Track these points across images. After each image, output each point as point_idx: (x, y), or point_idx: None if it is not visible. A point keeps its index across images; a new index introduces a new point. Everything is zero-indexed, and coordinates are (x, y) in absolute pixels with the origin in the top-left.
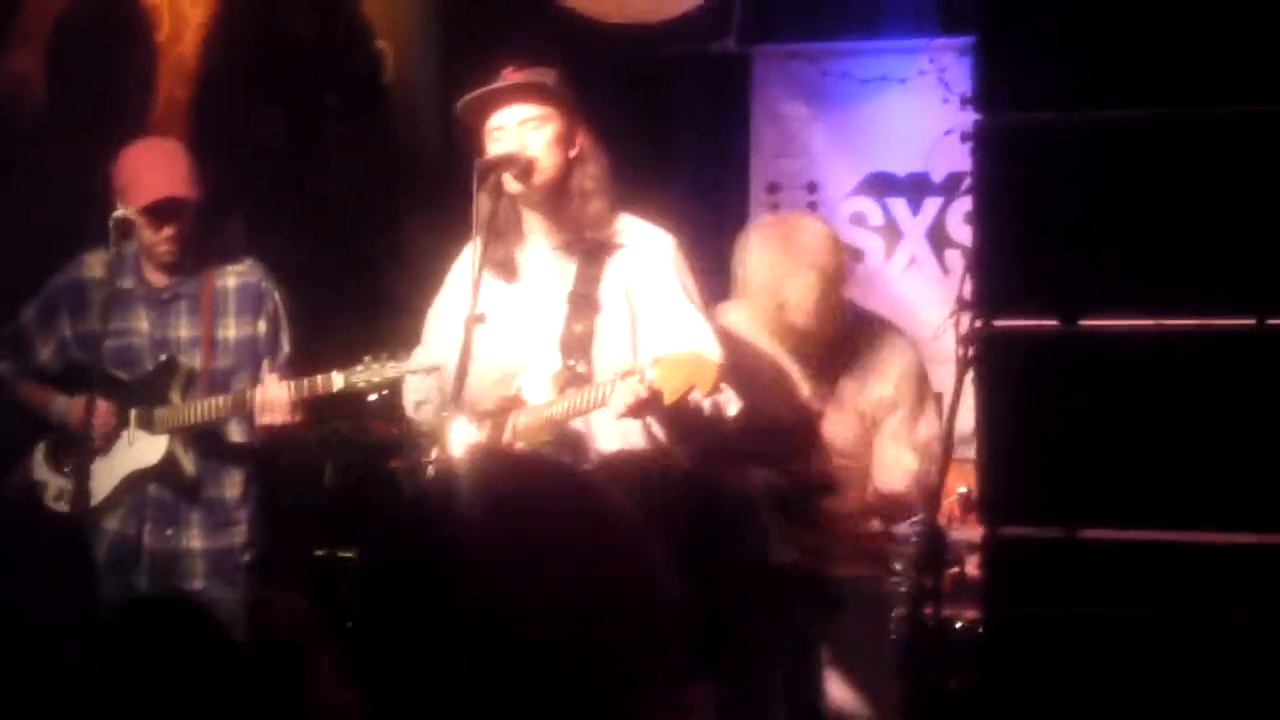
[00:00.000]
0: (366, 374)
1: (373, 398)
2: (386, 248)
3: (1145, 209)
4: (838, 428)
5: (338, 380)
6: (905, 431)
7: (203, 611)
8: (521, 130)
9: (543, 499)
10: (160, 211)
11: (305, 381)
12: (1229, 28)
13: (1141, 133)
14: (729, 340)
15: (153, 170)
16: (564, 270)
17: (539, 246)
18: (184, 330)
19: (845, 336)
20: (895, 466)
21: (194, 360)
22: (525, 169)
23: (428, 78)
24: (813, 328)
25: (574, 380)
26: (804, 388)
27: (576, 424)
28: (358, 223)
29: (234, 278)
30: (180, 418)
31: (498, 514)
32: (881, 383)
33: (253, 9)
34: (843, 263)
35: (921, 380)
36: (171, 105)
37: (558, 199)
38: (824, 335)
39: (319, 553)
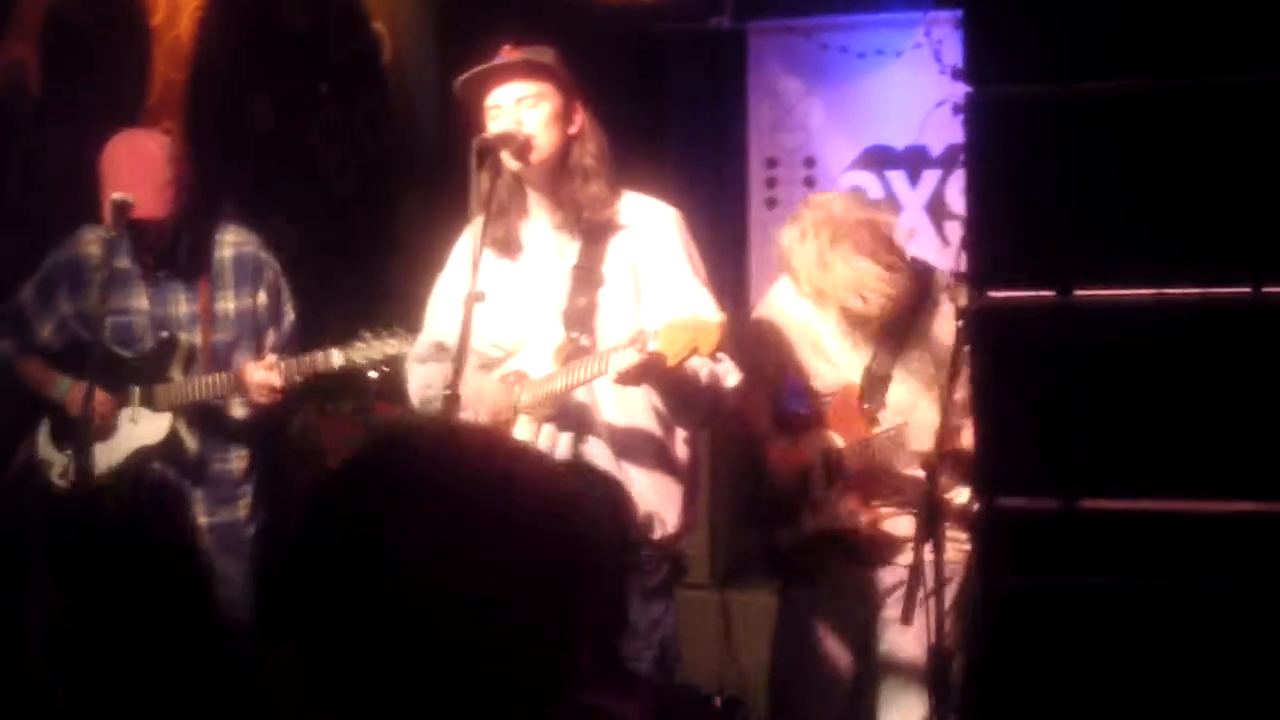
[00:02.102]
0: (366, 350)
1: (373, 375)
2: (384, 230)
3: (1140, 179)
4: (899, 389)
5: (337, 357)
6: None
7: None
8: (519, 108)
9: (466, 464)
10: (138, 226)
11: (306, 359)
12: None
13: (1135, 102)
14: (772, 318)
15: (131, 186)
16: (566, 247)
17: (541, 224)
18: (183, 306)
19: (906, 301)
20: (923, 425)
21: (194, 336)
22: (523, 146)
23: (425, 59)
24: (869, 310)
25: (577, 352)
26: (860, 355)
27: (581, 396)
28: (355, 205)
29: (230, 249)
30: (181, 394)
31: (422, 478)
32: (938, 343)
33: None
34: (884, 235)
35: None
36: (167, 89)
37: (557, 177)
38: (881, 310)
39: None
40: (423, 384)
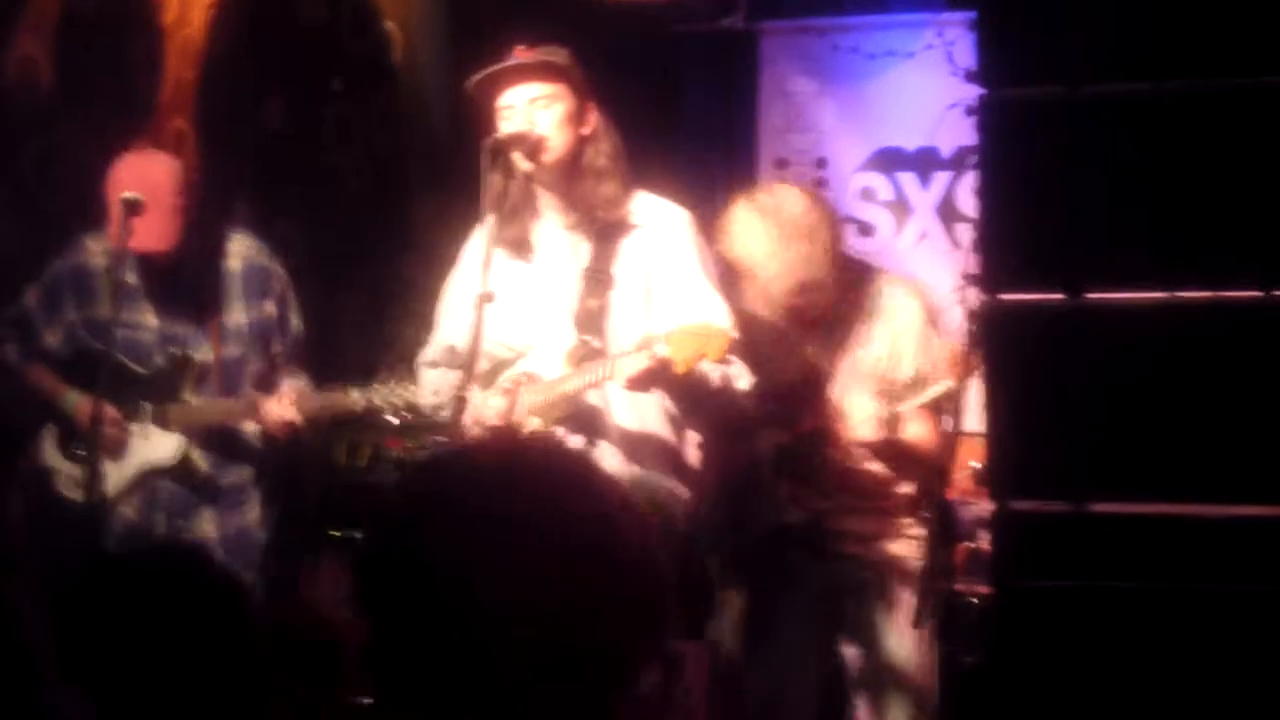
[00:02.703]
0: (388, 394)
1: (393, 420)
2: (396, 228)
3: (1151, 181)
4: (841, 383)
5: (358, 399)
6: (884, 380)
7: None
8: (532, 109)
9: (530, 477)
10: (139, 255)
11: (326, 397)
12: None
13: (1146, 105)
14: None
15: (139, 215)
16: (578, 248)
17: (553, 224)
18: (191, 322)
19: (846, 297)
20: (858, 412)
21: (204, 352)
22: (534, 147)
23: (436, 59)
24: (808, 298)
25: (589, 355)
26: (807, 352)
27: (593, 399)
28: (367, 205)
29: (237, 259)
30: (195, 416)
31: (487, 491)
32: (882, 340)
33: None
34: (828, 225)
35: (922, 331)
36: (179, 87)
37: (569, 177)
38: (823, 301)
39: (334, 533)
40: (433, 389)
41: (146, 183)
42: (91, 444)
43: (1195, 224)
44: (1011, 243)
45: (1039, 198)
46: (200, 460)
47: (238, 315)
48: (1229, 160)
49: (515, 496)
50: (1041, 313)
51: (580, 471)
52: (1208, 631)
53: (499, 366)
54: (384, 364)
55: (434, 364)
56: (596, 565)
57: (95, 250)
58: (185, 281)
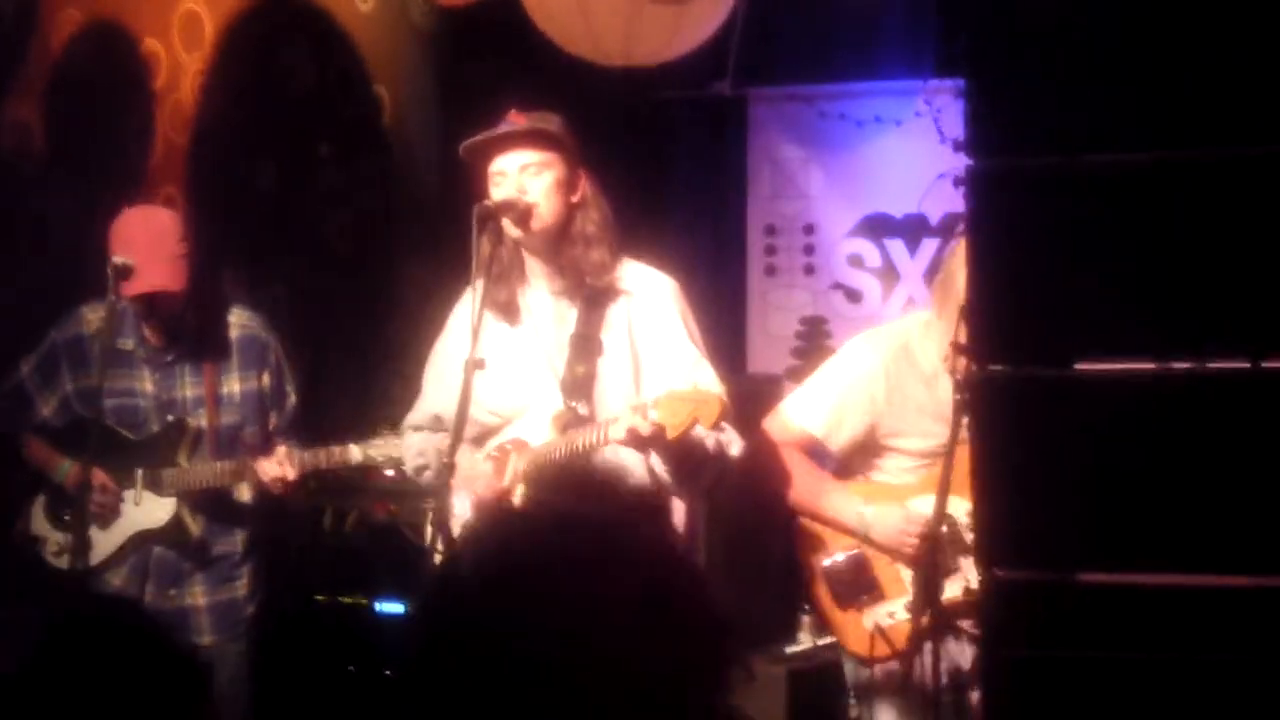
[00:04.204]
0: (385, 448)
1: (390, 473)
2: (385, 292)
3: (1140, 252)
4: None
5: (355, 453)
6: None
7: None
8: (523, 175)
9: (585, 544)
10: (146, 299)
11: (321, 452)
12: (1223, 70)
13: (1136, 175)
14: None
15: (140, 258)
16: (565, 314)
17: (541, 290)
18: (188, 390)
19: None
20: None
21: (199, 419)
22: (524, 214)
23: (426, 123)
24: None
25: (575, 421)
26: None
27: (580, 465)
28: (356, 267)
29: (235, 330)
30: (189, 480)
31: (543, 565)
32: None
33: (250, 55)
34: None
35: None
36: (169, 152)
37: (558, 244)
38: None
39: (319, 598)
40: (416, 453)
41: (150, 231)
42: (79, 510)
43: (1185, 295)
44: (1000, 313)
45: (1028, 268)
46: (193, 524)
47: (233, 385)
48: (1219, 230)
49: (579, 555)
50: (1031, 383)
51: (636, 525)
52: (1196, 703)
53: (486, 433)
54: (370, 424)
55: (418, 427)
56: (663, 614)
57: (92, 320)
58: (183, 347)
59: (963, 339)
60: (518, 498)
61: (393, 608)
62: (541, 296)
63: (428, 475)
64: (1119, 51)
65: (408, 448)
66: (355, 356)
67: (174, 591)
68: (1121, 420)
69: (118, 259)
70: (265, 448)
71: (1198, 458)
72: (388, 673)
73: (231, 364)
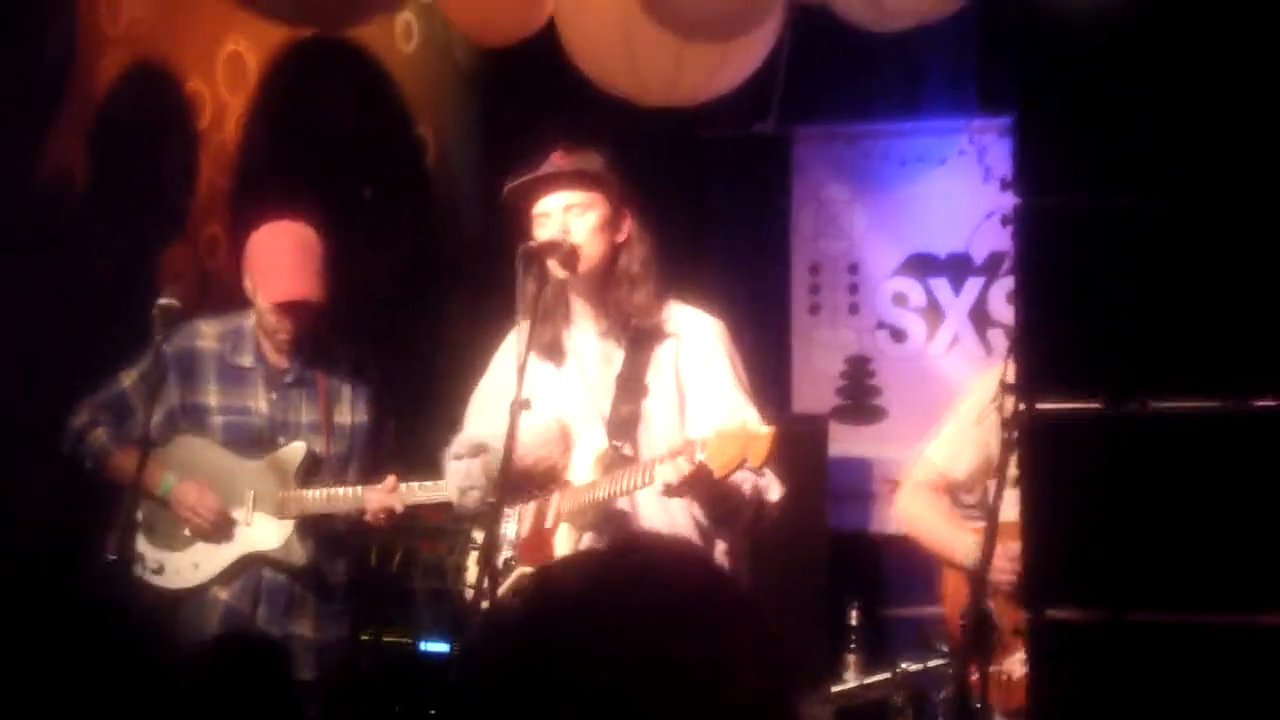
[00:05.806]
0: (436, 491)
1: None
2: (429, 333)
3: (1186, 291)
4: None
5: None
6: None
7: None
8: (567, 216)
9: (664, 585)
10: (288, 308)
11: (430, 485)
12: (1272, 111)
13: (1183, 215)
14: None
15: (286, 265)
16: (611, 354)
17: (586, 331)
18: (304, 414)
19: None
20: None
21: (316, 445)
22: (569, 255)
23: (469, 163)
24: None
25: (619, 461)
26: None
27: (621, 504)
28: (401, 308)
29: (345, 362)
30: (306, 505)
31: (617, 609)
32: None
33: (294, 95)
34: None
35: None
36: (212, 193)
37: (604, 284)
38: None
39: (364, 637)
40: (463, 477)
41: (298, 239)
42: (179, 528)
43: (1234, 333)
44: (1048, 351)
45: (1076, 306)
46: (303, 547)
47: (345, 416)
48: (1267, 271)
49: (631, 597)
50: (1079, 421)
51: (685, 562)
52: None
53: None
54: (411, 465)
55: (459, 456)
56: (724, 651)
57: (208, 334)
58: (302, 369)
59: (1010, 377)
60: (561, 537)
61: (438, 647)
62: (587, 337)
63: (473, 496)
64: (1167, 91)
65: (451, 475)
66: (403, 400)
67: (285, 616)
68: (1168, 457)
69: (163, 300)
70: (367, 480)
71: (1244, 495)
72: (432, 713)
73: (344, 394)
